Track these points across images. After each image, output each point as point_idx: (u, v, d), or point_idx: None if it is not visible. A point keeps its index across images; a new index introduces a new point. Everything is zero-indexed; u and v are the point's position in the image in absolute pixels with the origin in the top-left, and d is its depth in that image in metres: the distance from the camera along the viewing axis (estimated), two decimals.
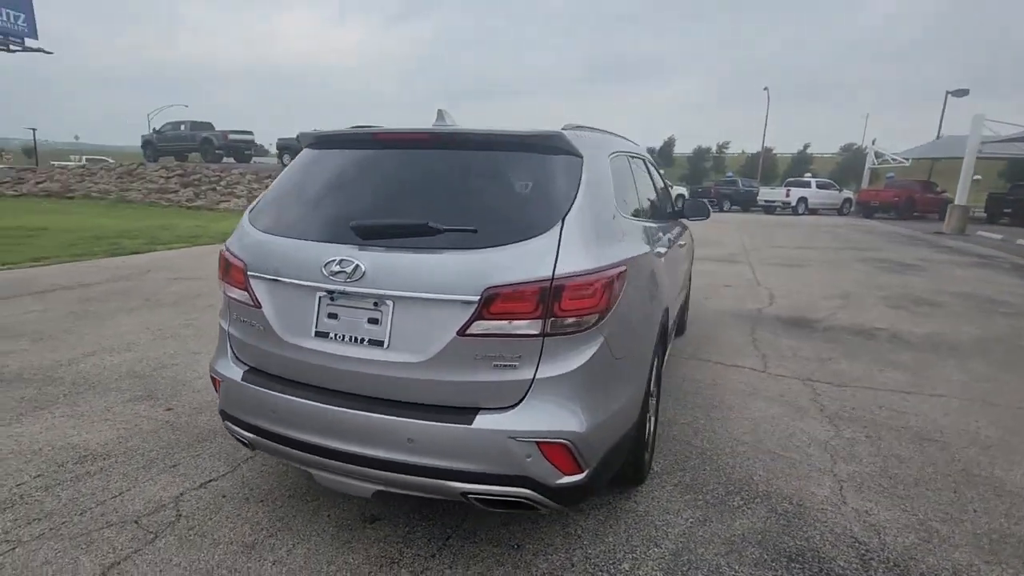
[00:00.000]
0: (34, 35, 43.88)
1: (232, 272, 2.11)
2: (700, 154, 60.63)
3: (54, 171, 27.45)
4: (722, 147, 61.71)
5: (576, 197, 1.91)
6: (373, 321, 1.85)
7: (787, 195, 25.08)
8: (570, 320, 1.76)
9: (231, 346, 2.19)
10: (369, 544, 2.15)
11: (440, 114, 2.34)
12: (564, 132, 2.00)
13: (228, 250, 2.17)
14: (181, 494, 2.45)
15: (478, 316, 1.72)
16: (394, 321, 1.82)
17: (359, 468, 1.85)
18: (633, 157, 3.05)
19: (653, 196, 3.43)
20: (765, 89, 37.25)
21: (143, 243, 10.31)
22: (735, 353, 4.66)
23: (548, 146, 2.00)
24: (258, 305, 2.02)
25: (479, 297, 1.71)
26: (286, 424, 1.95)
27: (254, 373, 2.08)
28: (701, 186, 33.39)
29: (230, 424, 2.15)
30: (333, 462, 1.89)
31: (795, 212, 25.07)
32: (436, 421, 1.76)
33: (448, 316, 1.75)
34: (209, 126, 27.25)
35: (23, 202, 20.93)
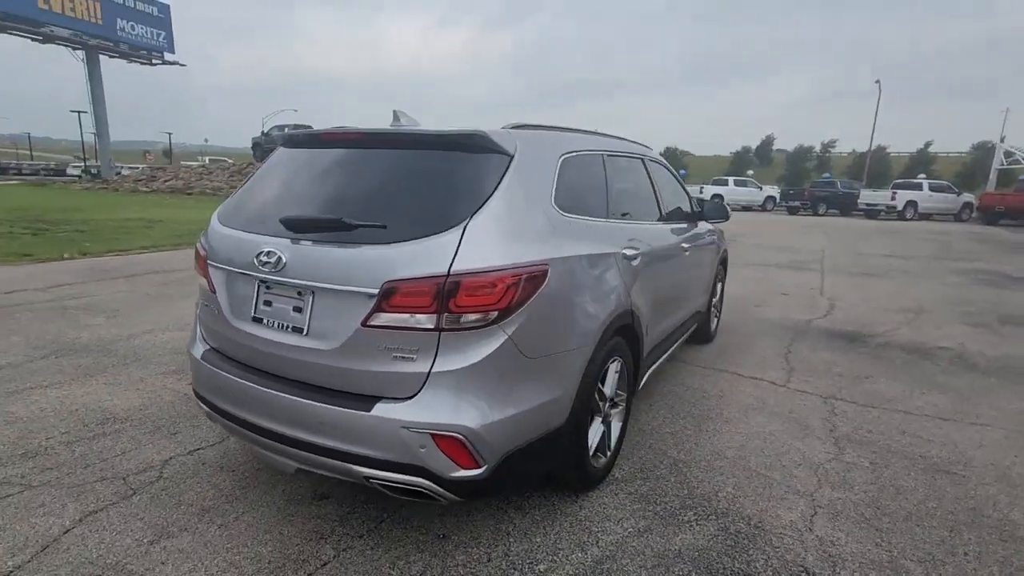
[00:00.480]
0: (172, 50, 49.36)
1: (199, 261, 2.34)
2: (801, 153, 56.52)
3: (180, 170, 30.86)
4: (827, 146, 57.18)
5: (493, 194, 1.94)
6: (297, 310, 1.99)
7: (892, 198, 22.83)
8: (467, 316, 1.79)
9: (200, 328, 2.43)
10: (308, 519, 2.30)
11: (395, 115, 2.44)
12: (488, 131, 2.03)
13: (199, 242, 2.40)
14: (170, 458, 2.74)
15: (378, 308, 1.80)
16: (313, 310, 1.95)
17: (281, 446, 2.00)
18: (614, 156, 2.99)
19: (645, 197, 3.33)
20: (876, 82, 34.08)
21: None
22: (759, 365, 4.39)
23: (471, 144, 2.03)
24: (214, 291, 2.23)
25: (379, 290, 1.80)
26: (228, 401, 2.14)
27: (211, 353, 2.29)
28: (794, 188, 31.10)
29: (197, 399, 2.38)
30: (262, 439, 2.05)
31: (902, 217, 22.77)
32: (342, 407, 1.86)
33: (354, 307, 1.85)
34: (308, 127, 29.46)
35: (152, 197, 23.72)
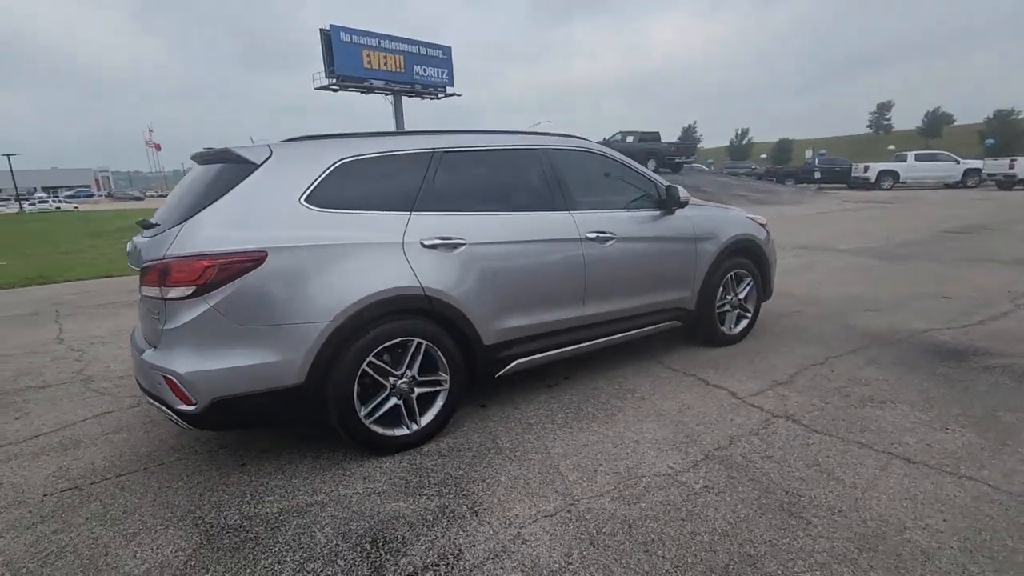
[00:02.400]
0: (452, 83, 58.16)
1: None
2: None
3: None
4: None
5: (222, 197, 2.49)
6: None
7: None
8: (177, 289, 2.38)
9: None
10: (191, 436, 3.17)
11: (251, 140, 3.13)
12: (235, 147, 2.57)
13: None
14: None
15: (141, 282, 2.54)
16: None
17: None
18: (459, 153, 3.12)
19: (524, 189, 3.32)
20: None
21: None
22: (749, 374, 3.72)
23: (224, 158, 2.61)
24: None
25: (140, 269, 2.53)
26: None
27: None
28: None
29: None
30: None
31: None
32: (139, 351, 2.66)
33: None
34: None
35: None
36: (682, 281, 3.95)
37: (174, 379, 2.41)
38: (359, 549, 2.13)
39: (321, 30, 48.76)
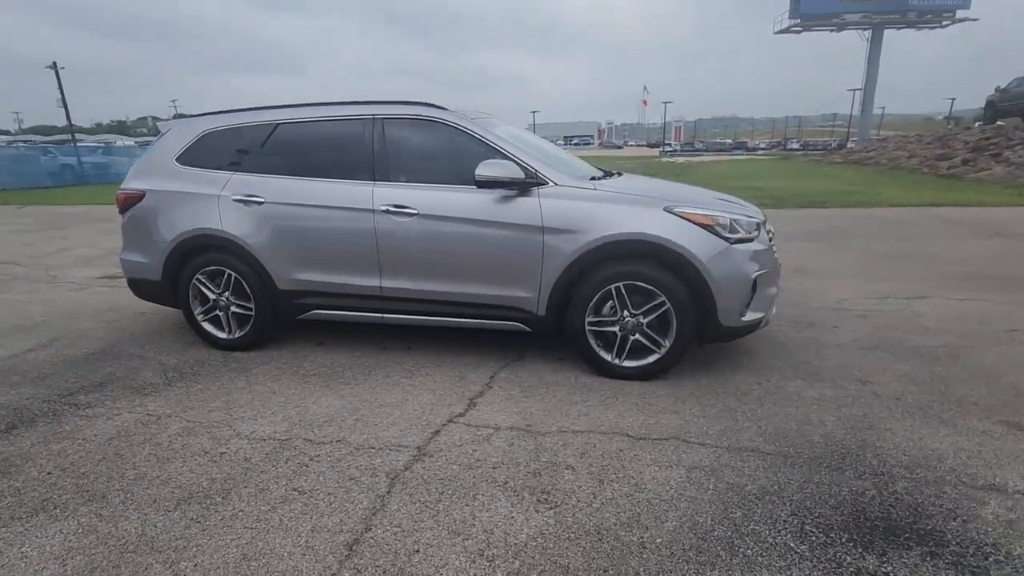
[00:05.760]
0: (967, 5, 44.01)
1: None
2: None
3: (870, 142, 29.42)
4: None
5: (143, 155, 3.91)
6: None
7: None
8: (120, 208, 3.98)
9: None
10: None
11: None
12: (160, 121, 3.89)
13: None
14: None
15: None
16: None
17: None
18: (298, 123, 3.60)
19: (344, 159, 3.50)
20: None
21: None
22: (537, 412, 2.87)
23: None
24: None
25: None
26: None
27: None
28: None
29: None
30: None
31: None
32: None
33: None
34: None
35: (828, 168, 24.19)
36: (518, 277, 3.19)
37: (120, 261, 4.10)
38: (82, 386, 3.31)
39: None
